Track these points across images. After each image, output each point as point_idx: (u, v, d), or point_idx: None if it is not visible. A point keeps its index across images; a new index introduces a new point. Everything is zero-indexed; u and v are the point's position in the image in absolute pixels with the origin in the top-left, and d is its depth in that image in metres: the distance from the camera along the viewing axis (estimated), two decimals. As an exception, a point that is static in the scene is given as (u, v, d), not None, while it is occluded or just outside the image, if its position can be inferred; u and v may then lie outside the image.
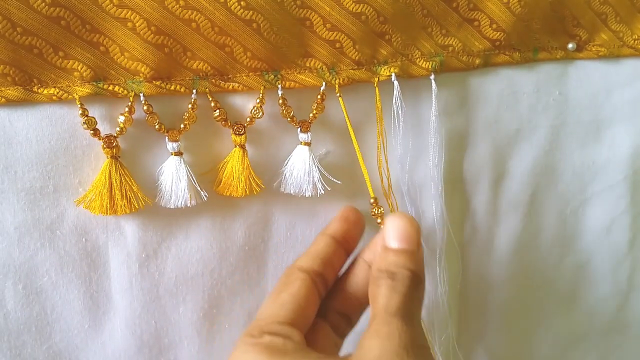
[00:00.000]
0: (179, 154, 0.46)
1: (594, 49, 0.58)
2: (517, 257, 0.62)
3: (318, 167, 0.49)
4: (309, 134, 0.49)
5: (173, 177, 0.46)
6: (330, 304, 0.46)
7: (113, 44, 0.43)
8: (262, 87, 0.47)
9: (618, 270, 0.68)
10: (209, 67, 0.45)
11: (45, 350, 0.48)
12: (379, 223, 0.53)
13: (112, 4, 0.42)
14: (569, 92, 0.59)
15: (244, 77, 0.46)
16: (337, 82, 0.49)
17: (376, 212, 0.52)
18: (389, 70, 0.50)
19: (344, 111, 0.49)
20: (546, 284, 0.65)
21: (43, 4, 0.40)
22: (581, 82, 0.59)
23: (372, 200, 0.52)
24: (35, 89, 0.42)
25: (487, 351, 0.65)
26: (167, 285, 0.50)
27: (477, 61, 0.53)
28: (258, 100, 0.47)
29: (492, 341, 0.65)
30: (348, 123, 0.50)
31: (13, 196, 0.44)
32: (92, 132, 0.43)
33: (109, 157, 0.44)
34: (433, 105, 0.52)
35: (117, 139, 0.44)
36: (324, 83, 0.48)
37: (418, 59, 0.51)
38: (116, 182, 0.44)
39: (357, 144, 0.50)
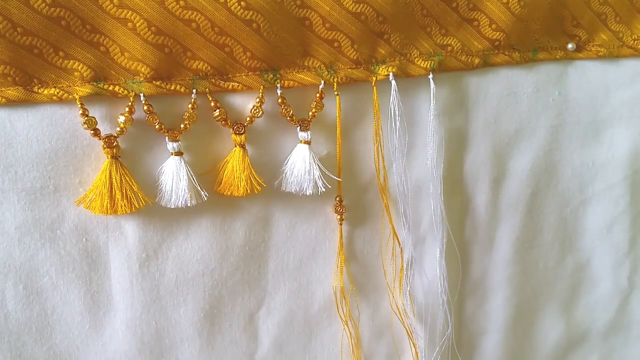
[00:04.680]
0: (179, 153, 0.46)
1: (593, 49, 0.59)
2: (517, 257, 0.62)
3: (318, 165, 0.49)
4: (308, 132, 0.49)
5: (173, 177, 0.46)
6: None
7: (113, 44, 0.43)
8: (261, 87, 0.47)
9: (618, 270, 0.68)
10: (209, 67, 0.45)
11: (45, 350, 0.48)
12: (339, 221, 0.53)
13: (112, 4, 0.42)
14: (569, 93, 0.59)
15: (244, 77, 0.47)
16: (335, 80, 0.49)
17: (339, 210, 0.53)
18: (387, 70, 0.50)
19: (338, 109, 0.50)
20: (546, 283, 0.65)
21: (43, 4, 0.40)
22: (581, 82, 0.59)
23: (337, 199, 0.53)
24: (35, 89, 0.42)
25: (486, 352, 0.65)
26: (167, 285, 0.50)
27: (477, 61, 0.54)
28: (257, 100, 0.47)
29: (491, 342, 0.65)
30: (338, 122, 0.50)
31: (14, 196, 0.44)
32: (92, 132, 0.43)
33: (109, 157, 0.44)
34: (431, 104, 0.52)
35: (117, 139, 0.44)
36: (322, 82, 0.48)
37: (416, 59, 0.51)
38: (116, 182, 0.44)
39: (340, 142, 0.51)
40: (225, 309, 0.53)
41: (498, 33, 0.53)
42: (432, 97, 0.52)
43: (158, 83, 0.44)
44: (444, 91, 0.54)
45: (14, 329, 0.47)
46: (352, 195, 0.54)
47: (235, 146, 0.47)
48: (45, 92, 0.42)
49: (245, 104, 0.48)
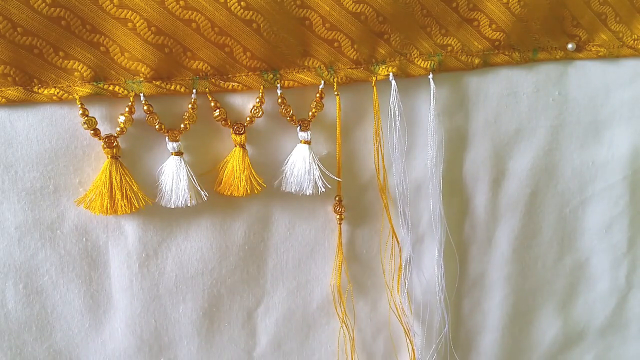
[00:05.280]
0: (179, 153, 0.46)
1: (593, 49, 0.59)
2: (516, 256, 0.63)
3: (318, 165, 0.49)
4: (308, 132, 0.49)
5: (173, 177, 0.46)
6: None
7: (113, 44, 0.43)
8: (261, 87, 0.47)
9: (617, 269, 0.68)
10: (209, 67, 0.45)
11: (45, 349, 0.48)
12: (338, 221, 0.54)
13: (112, 4, 0.42)
14: (569, 93, 0.59)
15: (244, 77, 0.46)
16: (335, 80, 0.49)
17: (338, 209, 0.53)
18: (387, 70, 0.50)
19: (338, 109, 0.50)
20: (544, 282, 0.65)
21: (43, 4, 0.40)
22: (581, 82, 0.59)
23: (336, 199, 0.53)
24: (35, 89, 0.42)
25: (484, 351, 0.65)
26: (167, 284, 0.50)
27: (477, 61, 0.54)
28: (257, 100, 0.47)
29: (488, 340, 0.65)
30: (338, 122, 0.50)
31: (14, 196, 0.44)
32: (92, 132, 0.43)
33: (109, 157, 0.44)
34: (431, 104, 0.52)
35: (117, 139, 0.44)
36: (322, 82, 0.48)
37: (416, 59, 0.51)
38: (116, 182, 0.44)
39: (340, 142, 0.51)
40: (224, 307, 0.53)
41: (498, 33, 0.53)
42: (432, 97, 0.52)
43: (158, 83, 0.44)
44: (444, 91, 0.54)
45: (14, 328, 0.47)
46: (351, 195, 0.54)
47: (235, 146, 0.47)
48: (45, 92, 0.42)
49: (245, 104, 0.48)
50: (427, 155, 0.53)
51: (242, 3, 0.44)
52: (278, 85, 0.47)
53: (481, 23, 0.53)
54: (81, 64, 0.43)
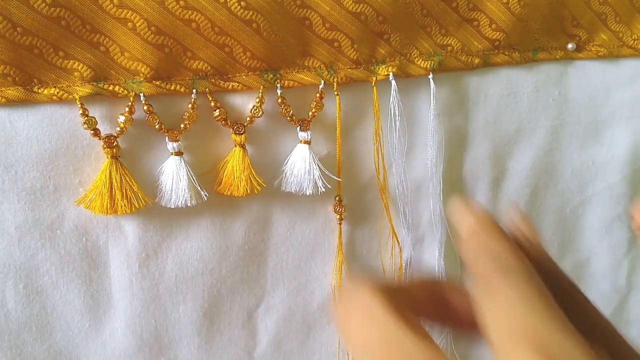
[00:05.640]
0: (179, 153, 0.46)
1: (593, 49, 0.59)
2: (516, 257, 0.62)
3: (318, 165, 0.49)
4: (308, 132, 0.49)
5: (173, 176, 0.46)
6: None
7: (113, 44, 0.43)
8: (261, 87, 0.47)
9: (617, 270, 0.68)
10: (209, 67, 0.45)
11: (45, 349, 0.48)
12: (338, 221, 0.54)
13: (112, 4, 0.42)
14: (569, 92, 0.59)
15: (244, 77, 0.46)
16: (335, 80, 0.49)
17: (338, 209, 0.53)
18: (387, 70, 0.50)
19: (338, 109, 0.50)
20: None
21: (43, 4, 0.40)
22: (581, 82, 0.59)
23: (336, 199, 0.53)
24: (35, 89, 0.42)
25: (485, 351, 0.65)
26: (167, 284, 0.50)
27: (477, 61, 0.54)
28: (257, 100, 0.47)
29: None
30: (338, 122, 0.50)
31: (14, 196, 0.44)
32: (92, 132, 0.43)
33: (109, 157, 0.44)
34: (431, 104, 0.52)
35: (117, 139, 0.44)
36: (322, 82, 0.48)
37: (416, 59, 0.51)
38: (116, 182, 0.44)
39: (340, 142, 0.51)
40: (224, 307, 0.53)
41: (498, 33, 0.53)
42: (432, 97, 0.52)
43: (158, 83, 0.44)
44: (444, 91, 0.54)
45: (14, 328, 0.47)
46: (351, 195, 0.54)
47: (235, 146, 0.47)
48: (45, 92, 0.42)
49: (245, 104, 0.48)
50: (427, 155, 0.53)
51: (242, 3, 0.44)
52: (278, 85, 0.47)
53: (481, 23, 0.53)
54: (81, 64, 0.43)
